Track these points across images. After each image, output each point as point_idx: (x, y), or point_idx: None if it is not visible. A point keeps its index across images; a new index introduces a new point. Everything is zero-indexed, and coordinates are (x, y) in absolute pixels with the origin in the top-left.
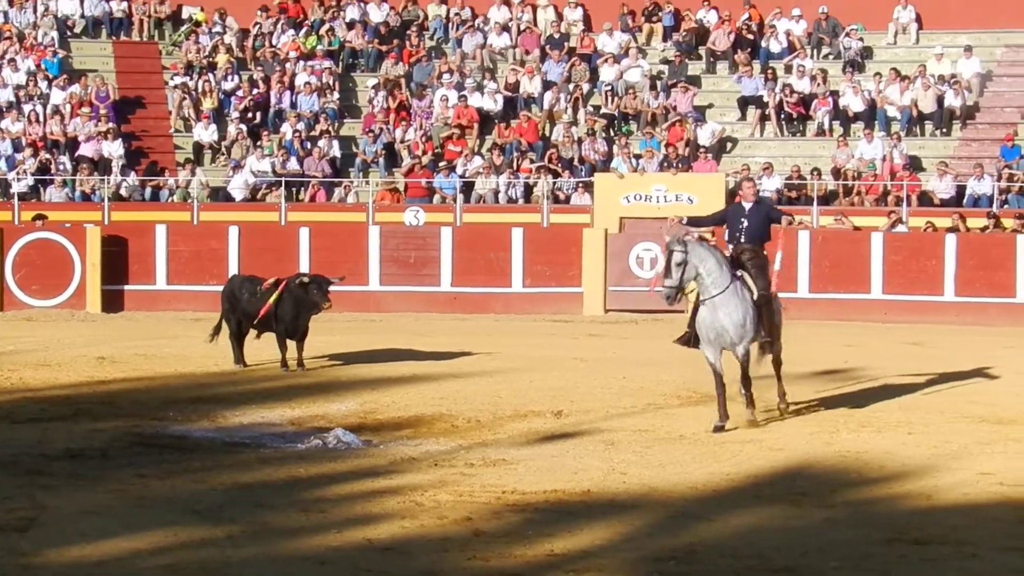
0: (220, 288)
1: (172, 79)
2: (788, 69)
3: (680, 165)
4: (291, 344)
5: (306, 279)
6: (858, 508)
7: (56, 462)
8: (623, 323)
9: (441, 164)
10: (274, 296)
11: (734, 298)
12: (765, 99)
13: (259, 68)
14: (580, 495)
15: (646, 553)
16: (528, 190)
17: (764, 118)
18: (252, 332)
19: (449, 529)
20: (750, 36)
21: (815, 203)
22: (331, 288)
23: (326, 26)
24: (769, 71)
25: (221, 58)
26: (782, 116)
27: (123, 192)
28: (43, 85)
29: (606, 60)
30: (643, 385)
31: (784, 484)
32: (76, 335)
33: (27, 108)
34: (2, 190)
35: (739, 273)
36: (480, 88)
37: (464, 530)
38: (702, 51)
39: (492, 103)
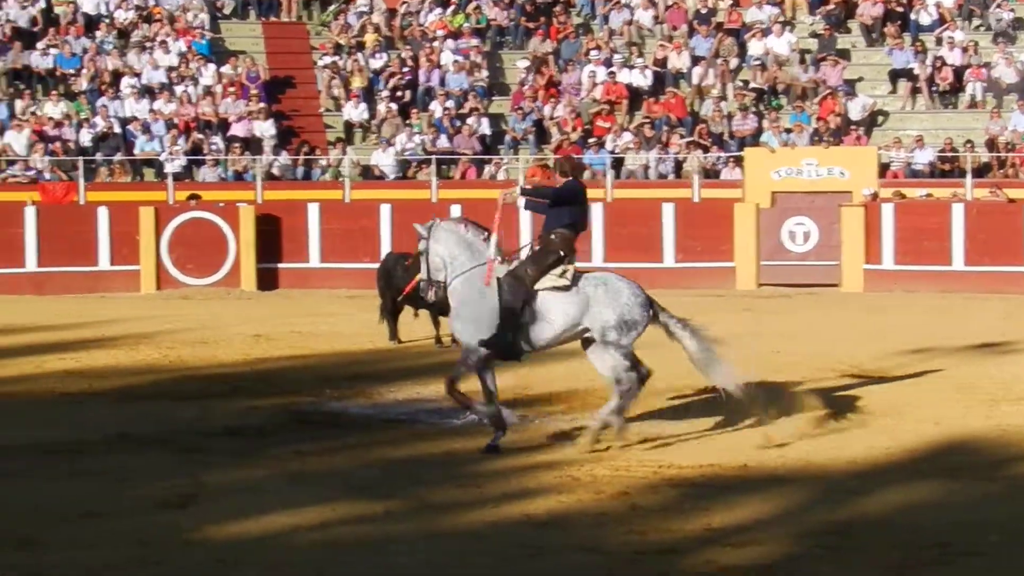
0: (373, 266)
1: (321, 59)
2: (939, 41)
3: (831, 139)
4: (444, 321)
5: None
6: (1018, 483)
7: (215, 439)
8: (776, 297)
9: (591, 140)
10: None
11: (463, 286)
12: (916, 71)
13: (407, 47)
14: (737, 470)
15: (804, 527)
16: (678, 165)
17: (915, 91)
18: (411, 310)
19: (606, 504)
20: (899, 8)
21: (969, 176)
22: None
23: (473, 4)
24: (919, 43)
25: (369, 37)
26: (933, 88)
27: (275, 171)
28: (194, 66)
29: (754, 34)
30: (797, 359)
31: (942, 458)
32: (232, 313)
33: (179, 89)
34: (156, 170)
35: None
36: (628, 64)
37: (621, 504)
38: (851, 24)
39: (641, 79)
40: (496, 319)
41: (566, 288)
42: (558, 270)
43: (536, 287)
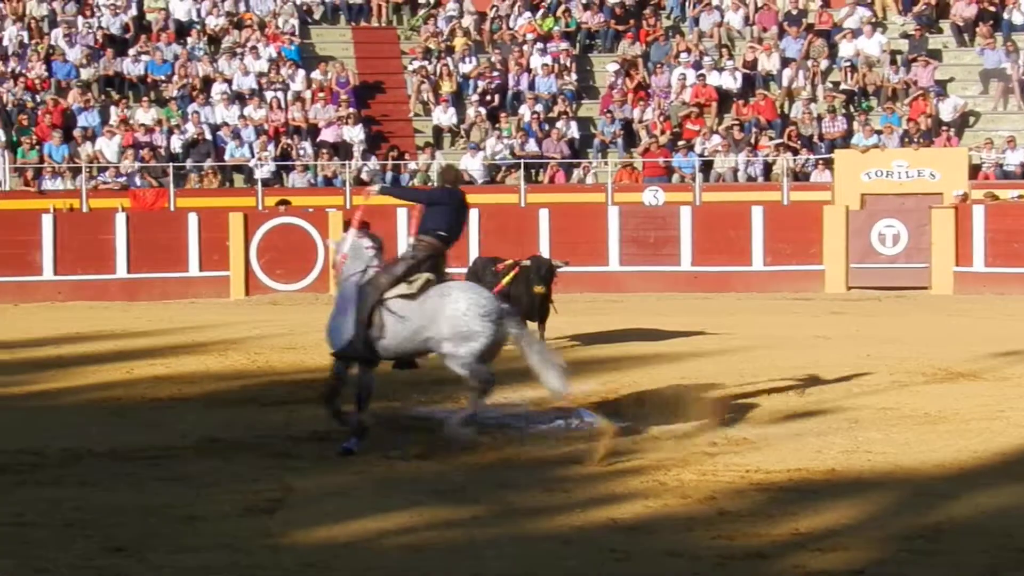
0: (461, 270)
1: (411, 63)
2: None
3: (921, 140)
4: (532, 325)
5: (526, 261)
6: None
7: (302, 444)
8: (866, 300)
9: (679, 143)
10: (507, 278)
11: (337, 293)
12: (1008, 71)
13: (496, 51)
14: (824, 474)
15: (892, 532)
16: (767, 168)
17: (1007, 91)
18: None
19: (693, 508)
20: (992, 8)
21: None
22: (559, 270)
23: (562, 7)
24: (1011, 43)
25: (459, 41)
26: None
27: (364, 176)
28: (284, 72)
29: (844, 35)
30: (887, 363)
31: None
32: (321, 319)
33: (269, 95)
34: (246, 176)
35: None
36: (718, 66)
37: (708, 509)
38: (943, 24)
39: (730, 81)
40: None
41: (412, 297)
42: (412, 278)
43: (387, 295)
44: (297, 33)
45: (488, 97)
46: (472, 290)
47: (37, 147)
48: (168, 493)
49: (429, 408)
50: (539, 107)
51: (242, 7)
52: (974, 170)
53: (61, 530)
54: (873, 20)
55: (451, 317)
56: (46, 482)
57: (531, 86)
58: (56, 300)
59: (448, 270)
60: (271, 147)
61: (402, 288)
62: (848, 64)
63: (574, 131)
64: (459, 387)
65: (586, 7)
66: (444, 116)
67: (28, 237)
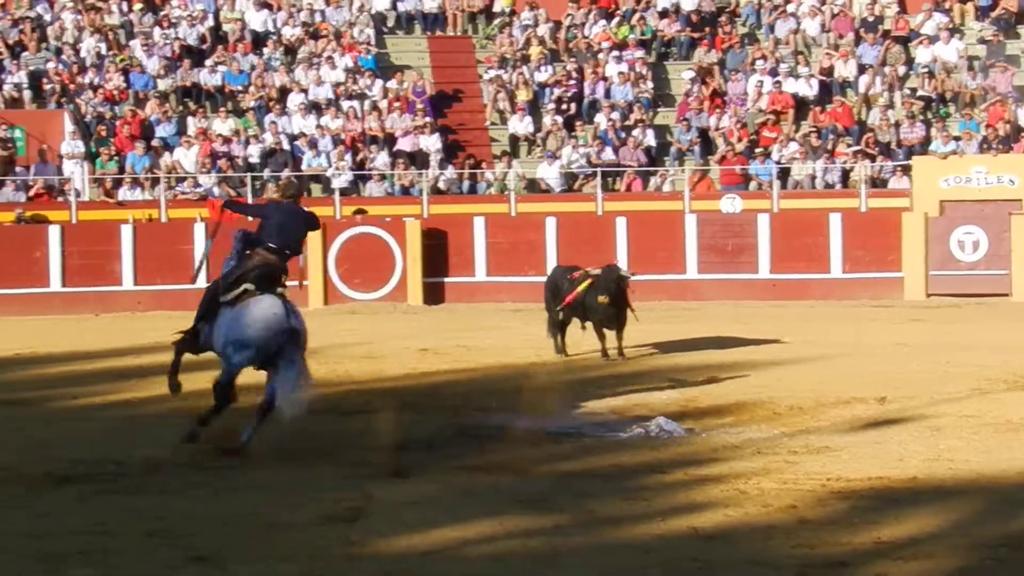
0: (539, 279)
1: (487, 72)
2: None
3: (1000, 146)
4: (610, 334)
5: (597, 271)
6: None
7: (382, 453)
8: (945, 307)
9: (756, 150)
10: (582, 286)
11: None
12: None
13: (572, 59)
14: (906, 482)
15: (975, 540)
16: (845, 175)
17: None
18: (577, 322)
19: (774, 517)
20: None
21: None
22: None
23: (637, 15)
24: None
25: (534, 50)
26: None
27: (441, 185)
28: (361, 82)
29: (921, 41)
30: (967, 370)
31: None
32: (399, 327)
33: (345, 105)
34: (323, 186)
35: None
36: (794, 73)
37: (789, 518)
38: (1020, 29)
39: (807, 88)
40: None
41: (231, 304)
42: (237, 288)
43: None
44: (373, 43)
45: (564, 105)
46: (273, 304)
47: (116, 158)
48: (248, 502)
49: (508, 417)
50: (615, 115)
51: (318, 17)
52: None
53: (143, 539)
54: (950, 26)
55: (237, 325)
56: (128, 491)
57: (607, 94)
58: (136, 310)
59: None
60: (348, 157)
61: (227, 295)
62: (925, 70)
63: (651, 139)
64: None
65: (662, 15)
66: (520, 125)
67: (108, 247)
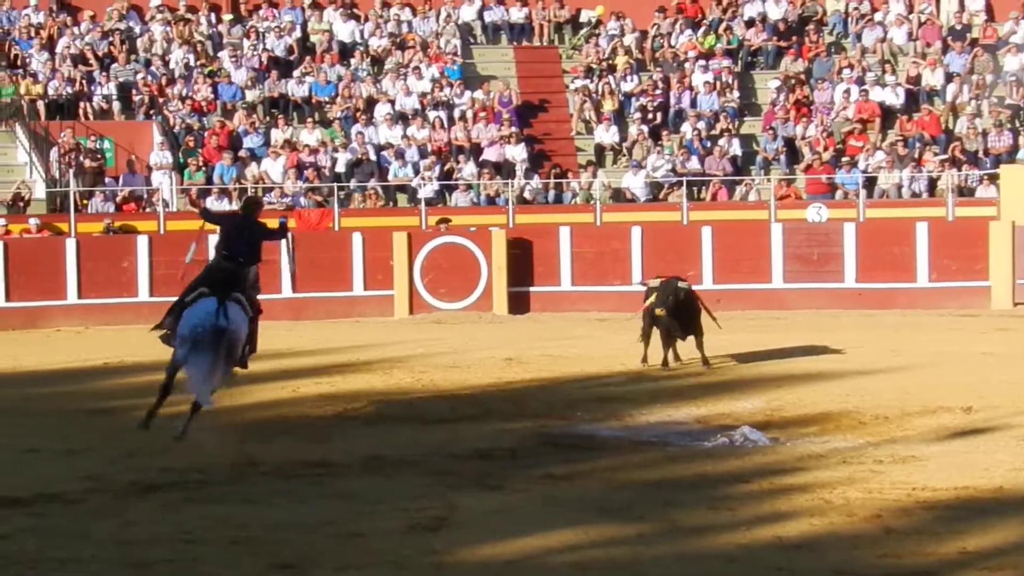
0: (624, 289)
1: (572, 82)
2: None
3: None
4: (688, 343)
5: (653, 281)
6: None
7: (466, 462)
8: None
9: (843, 159)
10: (649, 299)
11: None
12: None
13: (658, 68)
14: (992, 491)
15: None
16: (932, 184)
17: None
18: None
19: (859, 527)
20: None
21: None
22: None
23: (724, 24)
24: None
25: (620, 60)
26: None
27: (527, 195)
28: (447, 92)
29: (1009, 49)
30: None
31: None
32: (484, 337)
33: (431, 115)
34: (409, 196)
35: None
36: (881, 82)
37: (874, 528)
38: None
39: (894, 97)
40: None
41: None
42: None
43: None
44: (459, 53)
45: (650, 115)
46: (209, 304)
47: (203, 168)
48: (332, 510)
49: (593, 426)
50: (701, 124)
51: (405, 28)
52: None
53: (227, 547)
54: None
55: (182, 324)
56: (212, 500)
57: (693, 103)
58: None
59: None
60: (435, 167)
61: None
62: (1014, 79)
63: (736, 148)
64: (623, 404)
65: (748, 24)
66: (606, 134)
67: (196, 257)
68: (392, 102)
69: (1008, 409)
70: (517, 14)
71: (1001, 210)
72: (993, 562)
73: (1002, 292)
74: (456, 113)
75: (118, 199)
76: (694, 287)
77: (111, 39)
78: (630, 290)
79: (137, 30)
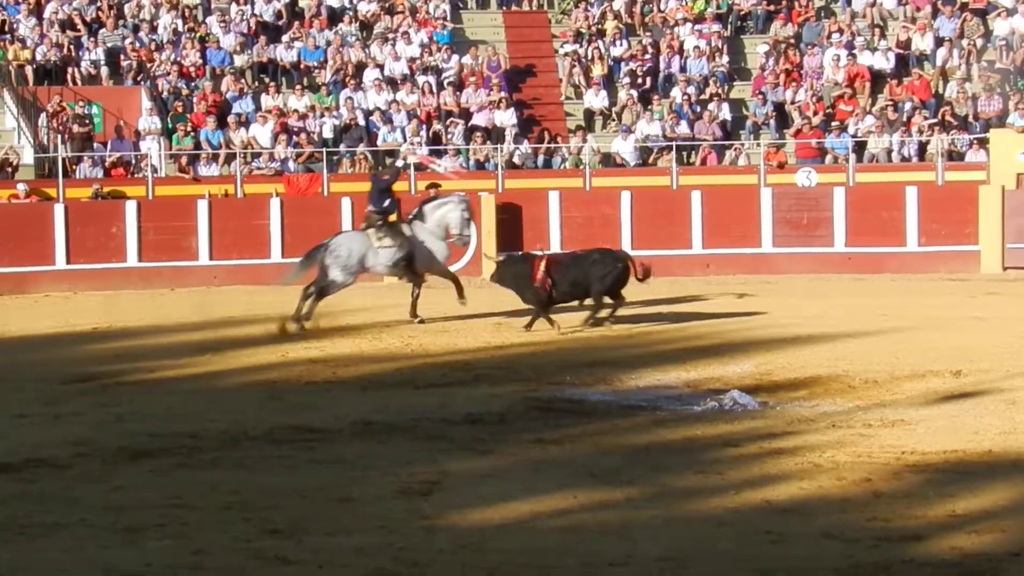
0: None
1: (562, 47)
2: None
3: None
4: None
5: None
6: None
7: (456, 427)
8: (1022, 280)
9: (833, 124)
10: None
11: None
12: None
13: (648, 33)
14: (981, 455)
15: None
16: (922, 148)
17: None
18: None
19: (848, 490)
20: None
21: None
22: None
23: None
24: None
25: (610, 24)
26: None
27: (516, 160)
28: (436, 57)
29: (999, 13)
30: None
31: None
32: (474, 301)
33: (420, 80)
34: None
35: None
36: (871, 47)
37: (863, 491)
38: None
39: (884, 61)
40: None
41: None
42: None
43: None
44: (448, 18)
45: (639, 80)
46: None
47: (192, 134)
48: (323, 476)
49: (582, 390)
50: (691, 89)
51: None
52: None
53: (219, 512)
54: None
55: None
56: (203, 465)
57: (683, 68)
58: (212, 284)
59: None
60: (423, 132)
61: None
62: (1003, 43)
63: (726, 113)
64: (612, 368)
65: None
66: (595, 99)
67: (184, 223)
68: (381, 67)
69: (997, 373)
70: None
71: (990, 174)
72: (981, 525)
73: (991, 256)
74: (446, 78)
75: (107, 164)
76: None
77: (99, 4)
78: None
79: None
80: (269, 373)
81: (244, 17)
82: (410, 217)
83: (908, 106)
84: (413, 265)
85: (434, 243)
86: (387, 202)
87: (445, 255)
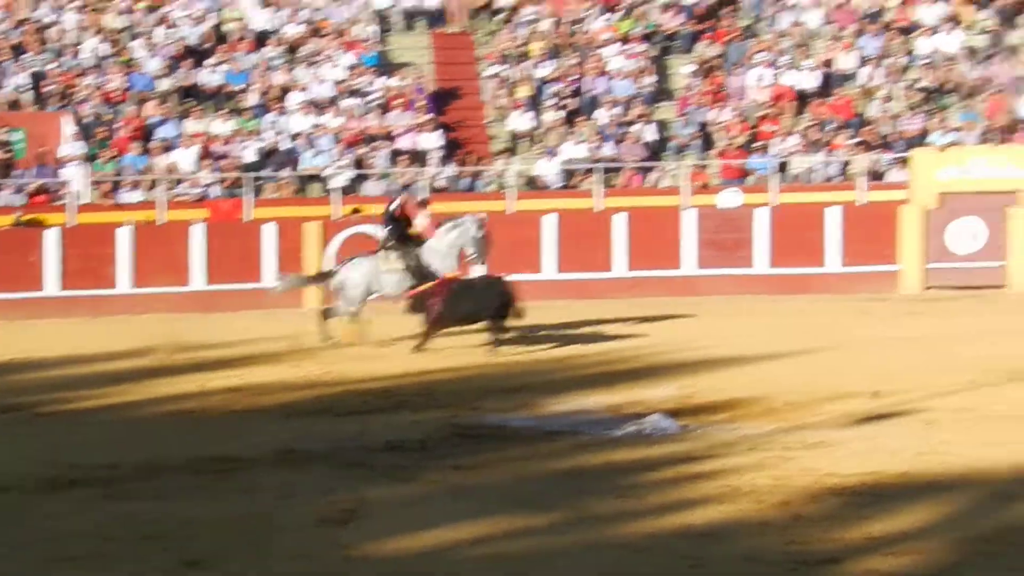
0: (535, 278)
1: (487, 69)
2: None
3: (1000, 137)
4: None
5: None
6: None
7: (376, 454)
8: (942, 300)
9: (756, 144)
10: None
11: None
12: None
13: (574, 54)
14: (898, 477)
15: (967, 533)
16: (844, 168)
17: None
18: None
19: (767, 513)
20: None
21: None
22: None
23: (639, 9)
24: None
25: (535, 46)
26: None
27: (441, 183)
28: (363, 79)
29: (923, 32)
30: (963, 363)
31: None
32: (396, 326)
33: (346, 103)
34: (323, 185)
35: None
36: (795, 66)
37: (782, 514)
38: (1022, 20)
39: (808, 81)
40: None
41: None
42: None
43: None
44: (375, 40)
45: (565, 101)
46: None
47: (115, 159)
48: (243, 505)
49: (502, 416)
50: (616, 110)
51: (320, 15)
52: None
53: (138, 543)
54: (951, 17)
55: None
56: (122, 496)
57: (608, 89)
58: (133, 312)
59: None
60: (347, 155)
61: None
62: (926, 61)
63: (651, 134)
64: (533, 393)
65: (664, 8)
66: (520, 121)
67: (105, 250)
68: (306, 90)
69: (915, 393)
70: (432, 1)
71: (912, 194)
72: (898, 547)
73: (912, 276)
74: (371, 101)
75: (29, 191)
76: None
77: (23, 28)
78: (540, 279)
79: (49, 19)
80: (188, 402)
81: (170, 41)
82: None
83: (831, 126)
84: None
85: (445, 265)
86: (391, 226)
87: None
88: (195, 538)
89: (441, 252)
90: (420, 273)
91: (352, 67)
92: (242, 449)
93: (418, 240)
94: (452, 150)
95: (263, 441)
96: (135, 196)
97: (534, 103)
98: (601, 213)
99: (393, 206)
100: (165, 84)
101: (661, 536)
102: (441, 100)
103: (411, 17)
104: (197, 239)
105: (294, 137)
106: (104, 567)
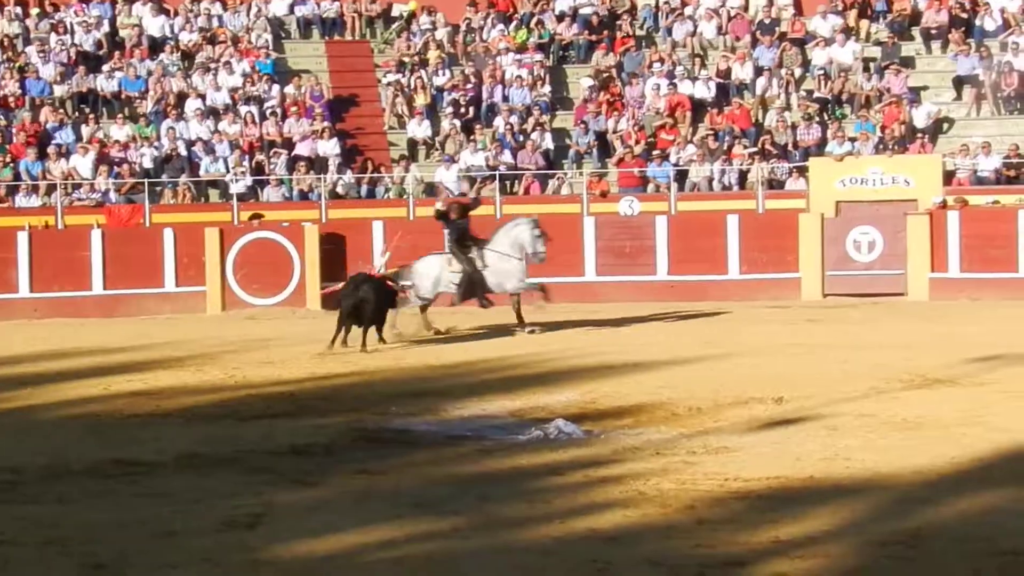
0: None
1: (385, 76)
2: (1003, 47)
3: (896, 147)
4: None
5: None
6: None
7: (281, 458)
8: (842, 307)
9: (654, 153)
10: None
11: None
12: (981, 78)
13: (470, 63)
14: (803, 481)
15: (872, 537)
16: (742, 177)
17: (980, 97)
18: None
19: (672, 517)
20: (963, 15)
21: None
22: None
23: (535, 19)
24: (984, 49)
25: (432, 54)
26: (999, 95)
27: (339, 190)
28: (259, 87)
29: (818, 43)
30: (864, 369)
31: (1012, 466)
32: (297, 332)
33: (243, 110)
34: (221, 191)
35: None
36: (692, 76)
37: (687, 518)
38: (915, 31)
39: (704, 90)
40: None
41: None
42: None
43: None
44: (271, 47)
45: (462, 109)
46: None
47: (11, 164)
48: (147, 509)
49: (407, 420)
50: (513, 119)
51: (215, 23)
52: (948, 176)
53: (40, 548)
54: (845, 28)
55: None
56: (24, 500)
57: (505, 98)
58: (33, 317)
59: None
60: (246, 162)
61: None
62: (821, 72)
63: (549, 142)
64: (437, 398)
65: (560, 19)
66: (419, 129)
67: (3, 255)
68: (203, 97)
69: (819, 399)
70: (328, 8)
71: (810, 202)
72: (805, 551)
73: (812, 283)
74: (267, 108)
75: None
76: None
77: None
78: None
79: None
80: (91, 406)
81: (64, 47)
82: (482, 242)
83: (729, 135)
84: (477, 289)
85: (505, 265)
86: (448, 230)
87: (519, 275)
88: (98, 543)
89: (499, 252)
90: (475, 274)
91: (247, 74)
92: (146, 453)
93: (479, 240)
94: (351, 157)
95: (167, 445)
96: (32, 201)
97: (432, 111)
98: (500, 220)
99: (439, 206)
100: (60, 90)
101: (568, 540)
102: (339, 107)
103: (306, 25)
104: (96, 244)
105: (191, 143)
106: (6, 572)
